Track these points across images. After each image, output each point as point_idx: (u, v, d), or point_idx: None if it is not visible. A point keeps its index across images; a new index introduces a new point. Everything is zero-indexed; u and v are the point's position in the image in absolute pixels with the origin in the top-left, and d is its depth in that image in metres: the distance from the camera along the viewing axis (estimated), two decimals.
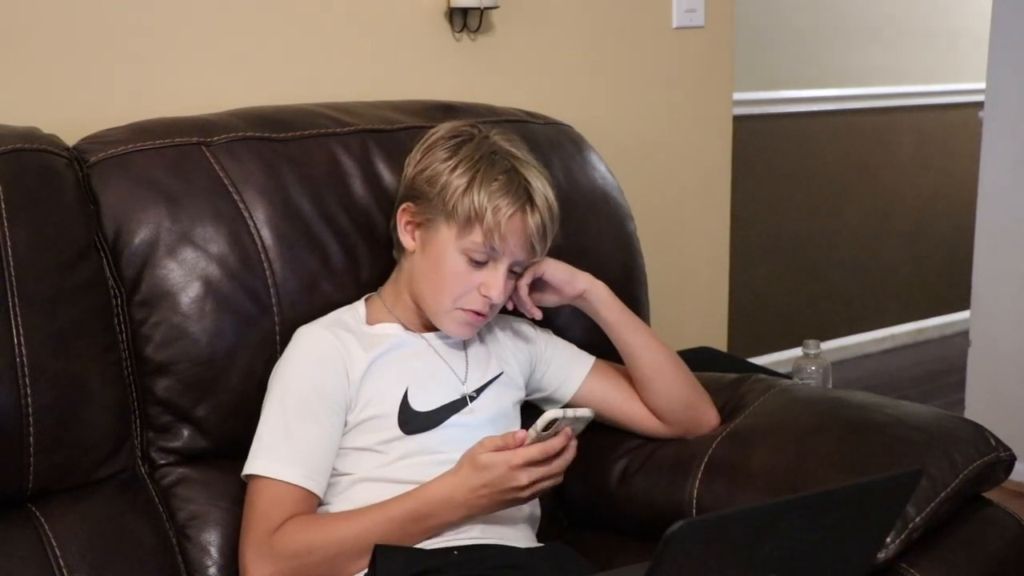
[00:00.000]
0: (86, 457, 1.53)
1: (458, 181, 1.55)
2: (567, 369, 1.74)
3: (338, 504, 1.54)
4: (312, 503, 1.51)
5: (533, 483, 1.44)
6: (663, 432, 1.73)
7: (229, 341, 1.59)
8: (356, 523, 1.48)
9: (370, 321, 1.62)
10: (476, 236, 1.54)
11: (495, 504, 1.47)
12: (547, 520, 1.72)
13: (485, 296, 1.56)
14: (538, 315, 1.67)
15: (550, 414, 1.43)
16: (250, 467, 1.52)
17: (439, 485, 1.47)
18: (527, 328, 1.75)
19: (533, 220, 1.56)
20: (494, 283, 1.56)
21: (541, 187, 1.59)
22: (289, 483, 1.49)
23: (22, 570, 1.45)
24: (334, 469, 1.55)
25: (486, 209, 1.53)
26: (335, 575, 1.48)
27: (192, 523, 1.58)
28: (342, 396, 1.55)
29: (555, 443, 1.44)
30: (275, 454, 1.51)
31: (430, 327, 1.64)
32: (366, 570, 1.47)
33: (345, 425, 1.56)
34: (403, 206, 1.62)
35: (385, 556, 1.46)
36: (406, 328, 1.62)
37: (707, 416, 1.74)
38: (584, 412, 1.45)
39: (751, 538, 1.12)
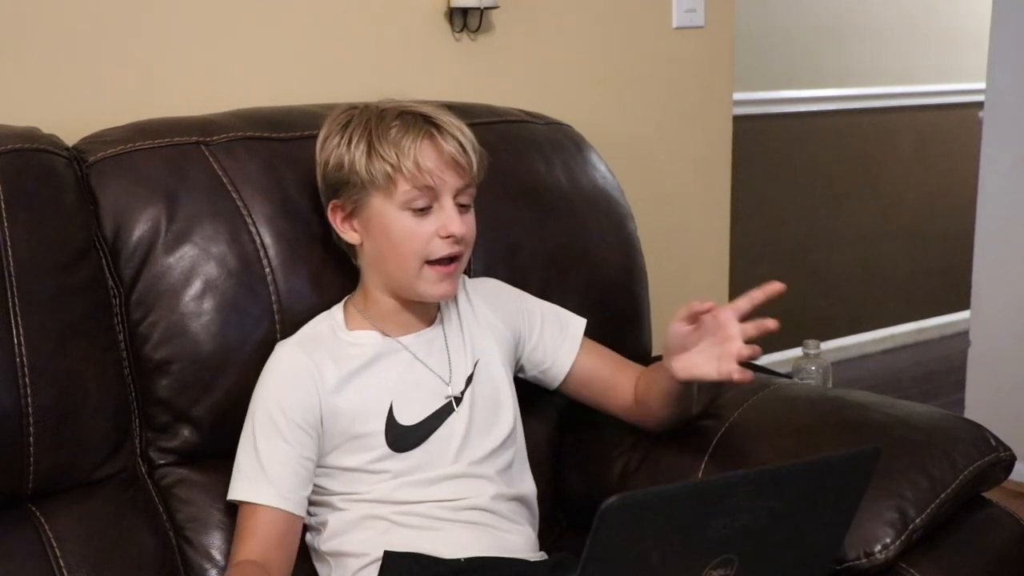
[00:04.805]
0: (86, 457, 1.53)
1: (358, 150, 1.52)
2: (555, 348, 1.69)
3: (350, 545, 1.52)
4: (290, 522, 1.50)
5: None
6: (637, 424, 1.71)
7: (228, 340, 1.59)
8: None
9: (349, 326, 1.59)
10: (403, 186, 1.50)
11: None
12: (546, 522, 1.72)
13: (446, 237, 1.52)
14: None
15: None
16: (230, 493, 1.52)
17: None
18: (509, 301, 1.70)
19: (445, 141, 1.51)
20: (448, 219, 1.51)
21: (441, 115, 1.54)
22: (264, 505, 1.48)
23: (22, 570, 1.45)
24: (327, 489, 1.54)
25: (395, 156, 1.50)
26: None
27: (191, 524, 1.58)
28: (311, 414, 1.52)
29: None
30: (249, 476, 1.51)
31: (406, 329, 1.59)
32: None
33: (327, 443, 1.53)
34: (329, 207, 1.58)
35: (393, 561, 1.46)
36: (384, 334, 1.58)
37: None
38: None
39: (697, 515, 1.10)
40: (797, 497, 1.17)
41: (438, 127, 1.52)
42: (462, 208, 1.54)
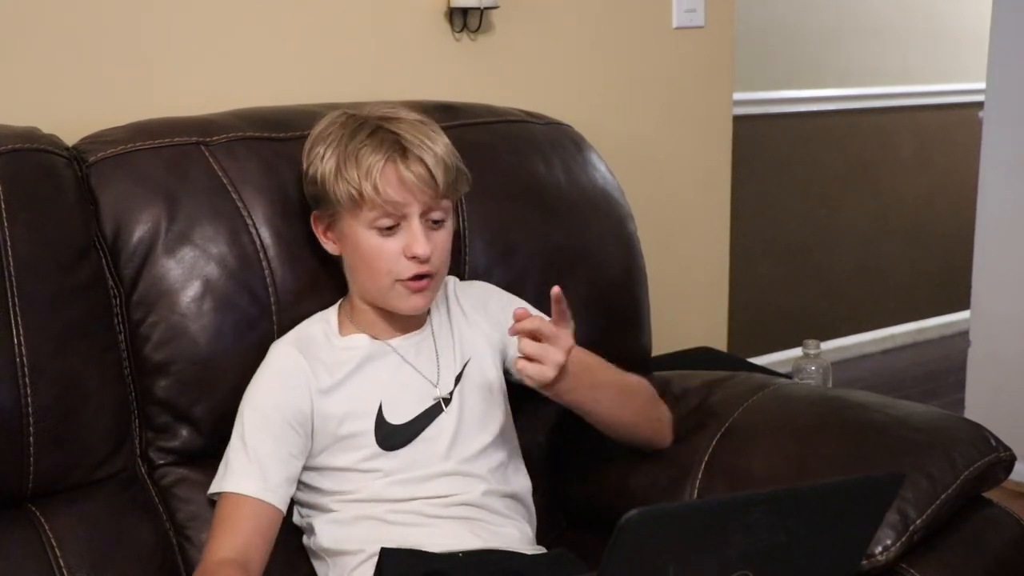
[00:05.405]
0: (86, 457, 1.52)
1: (328, 167, 1.52)
2: None
3: (345, 543, 1.52)
4: (273, 516, 1.50)
5: None
6: (615, 440, 1.68)
7: (227, 341, 1.59)
8: None
9: (342, 332, 1.59)
10: (367, 208, 1.50)
11: None
12: (545, 522, 1.72)
13: (412, 258, 1.51)
14: None
15: None
16: (215, 486, 1.52)
17: None
18: (497, 305, 1.68)
19: (407, 167, 1.48)
20: (413, 241, 1.50)
21: (413, 133, 1.52)
22: (251, 497, 1.48)
23: (22, 570, 1.45)
24: (320, 490, 1.55)
25: (357, 178, 1.49)
26: None
27: (191, 523, 1.58)
28: (302, 413, 1.53)
29: None
30: (236, 469, 1.51)
31: (395, 332, 1.60)
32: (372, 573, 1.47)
33: (317, 443, 1.54)
34: (312, 217, 1.59)
35: (391, 558, 1.46)
36: (373, 338, 1.59)
37: (665, 441, 1.70)
38: None
39: (716, 532, 1.10)
40: (817, 517, 1.18)
41: (404, 150, 1.50)
42: (434, 224, 1.53)
